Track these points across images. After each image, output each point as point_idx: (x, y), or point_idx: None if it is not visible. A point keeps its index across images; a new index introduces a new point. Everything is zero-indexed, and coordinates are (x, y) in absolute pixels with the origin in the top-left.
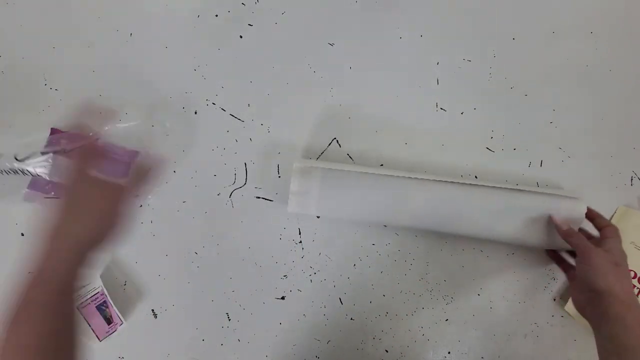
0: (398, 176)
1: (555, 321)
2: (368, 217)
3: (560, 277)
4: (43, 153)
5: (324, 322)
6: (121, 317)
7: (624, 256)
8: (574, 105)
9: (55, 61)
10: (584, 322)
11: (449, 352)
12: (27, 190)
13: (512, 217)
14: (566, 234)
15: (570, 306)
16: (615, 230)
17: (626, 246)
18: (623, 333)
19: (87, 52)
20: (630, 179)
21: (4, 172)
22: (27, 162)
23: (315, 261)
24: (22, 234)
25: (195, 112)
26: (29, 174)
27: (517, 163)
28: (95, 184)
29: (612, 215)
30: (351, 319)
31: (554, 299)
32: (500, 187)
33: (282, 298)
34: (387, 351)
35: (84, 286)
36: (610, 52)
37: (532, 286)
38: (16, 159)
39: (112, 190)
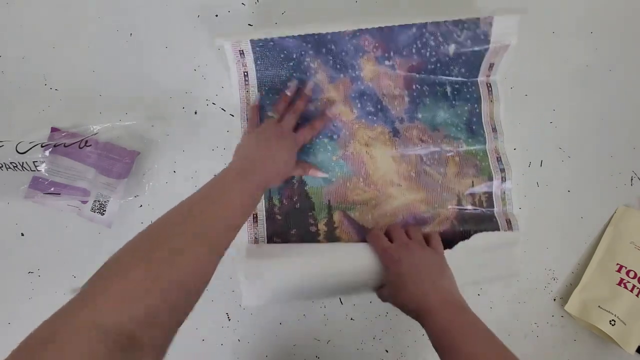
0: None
1: (555, 321)
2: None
3: (560, 277)
4: (44, 146)
5: (324, 322)
6: None
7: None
8: (574, 105)
9: (55, 61)
10: (584, 322)
11: None
12: (28, 188)
13: None
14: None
15: (570, 306)
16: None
17: (626, 246)
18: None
19: (87, 52)
20: (630, 179)
21: (4, 167)
22: (28, 154)
23: None
24: (22, 234)
25: (195, 112)
26: (29, 169)
27: (517, 163)
28: (283, 137)
29: (612, 215)
30: (351, 319)
31: (554, 299)
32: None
33: None
34: (387, 351)
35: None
36: (610, 52)
37: (532, 286)
38: (17, 152)
39: (291, 143)
